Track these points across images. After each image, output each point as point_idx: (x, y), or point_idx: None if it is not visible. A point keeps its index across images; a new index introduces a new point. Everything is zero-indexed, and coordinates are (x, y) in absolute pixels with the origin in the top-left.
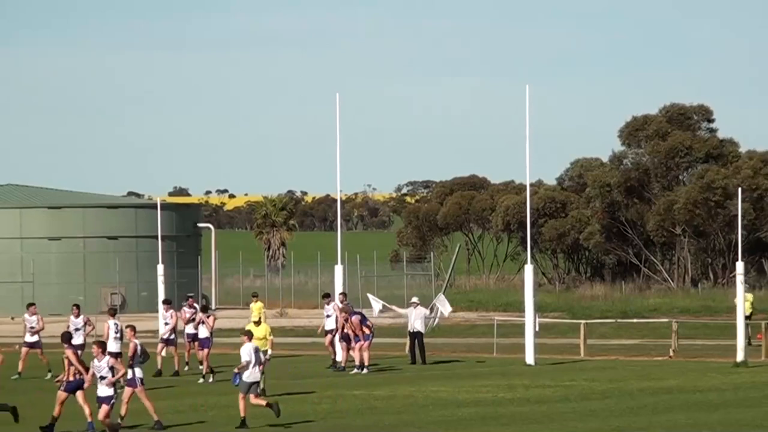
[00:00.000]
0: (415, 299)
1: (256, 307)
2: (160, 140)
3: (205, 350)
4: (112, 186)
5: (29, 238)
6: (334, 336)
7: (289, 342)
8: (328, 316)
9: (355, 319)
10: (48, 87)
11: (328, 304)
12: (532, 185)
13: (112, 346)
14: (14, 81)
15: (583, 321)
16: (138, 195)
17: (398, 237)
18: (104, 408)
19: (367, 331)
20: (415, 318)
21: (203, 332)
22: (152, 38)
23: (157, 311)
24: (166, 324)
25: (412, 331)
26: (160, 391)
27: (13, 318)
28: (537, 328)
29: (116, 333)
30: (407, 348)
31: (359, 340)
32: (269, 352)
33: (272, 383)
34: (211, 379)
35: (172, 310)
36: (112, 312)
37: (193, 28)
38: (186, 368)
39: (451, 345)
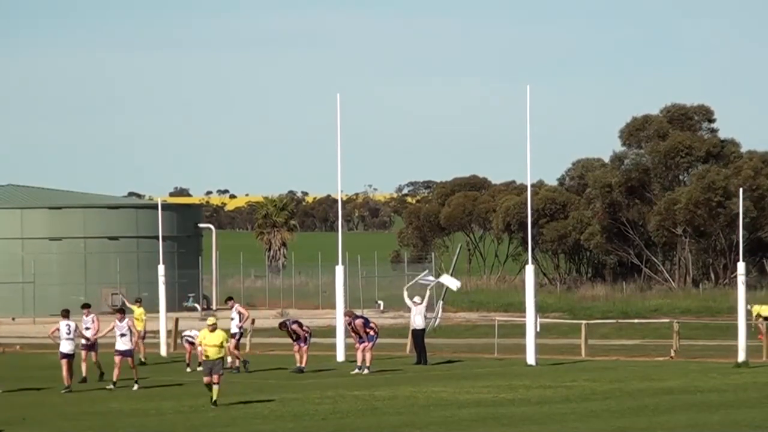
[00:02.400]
0: (417, 298)
1: (138, 312)
2: (160, 140)
3: (129, 358)
4: (112, 186)
5: (30, 238)
6: (238, 340)
7: (288, 342)
8: (232, 319)
9: (358, 322)
10: (48, 87)
11: (231, 308)
12: (532, 186)
13: (65, 346)
14: (14, 81)
15: (584, 321)
16: (139, 195)
17: (399, 237)
18: None
19: (371, 332)
20: (416, 314)
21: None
22: (152, 38)
23: (158, 311)
24: (87, 329)
25: (415, 328)
26: (160, 392)
27: (14, 318)
28: (538, 329)
29: (68, 334)
30: (408, 349)
31: (363, 341)
32: (229, 360)
33: (272, 383)
34: (135, 387)
35: (93, 315)
36: (65, 313)
37: (193, 28)
38: (187, 369)
39: (452, 345)
